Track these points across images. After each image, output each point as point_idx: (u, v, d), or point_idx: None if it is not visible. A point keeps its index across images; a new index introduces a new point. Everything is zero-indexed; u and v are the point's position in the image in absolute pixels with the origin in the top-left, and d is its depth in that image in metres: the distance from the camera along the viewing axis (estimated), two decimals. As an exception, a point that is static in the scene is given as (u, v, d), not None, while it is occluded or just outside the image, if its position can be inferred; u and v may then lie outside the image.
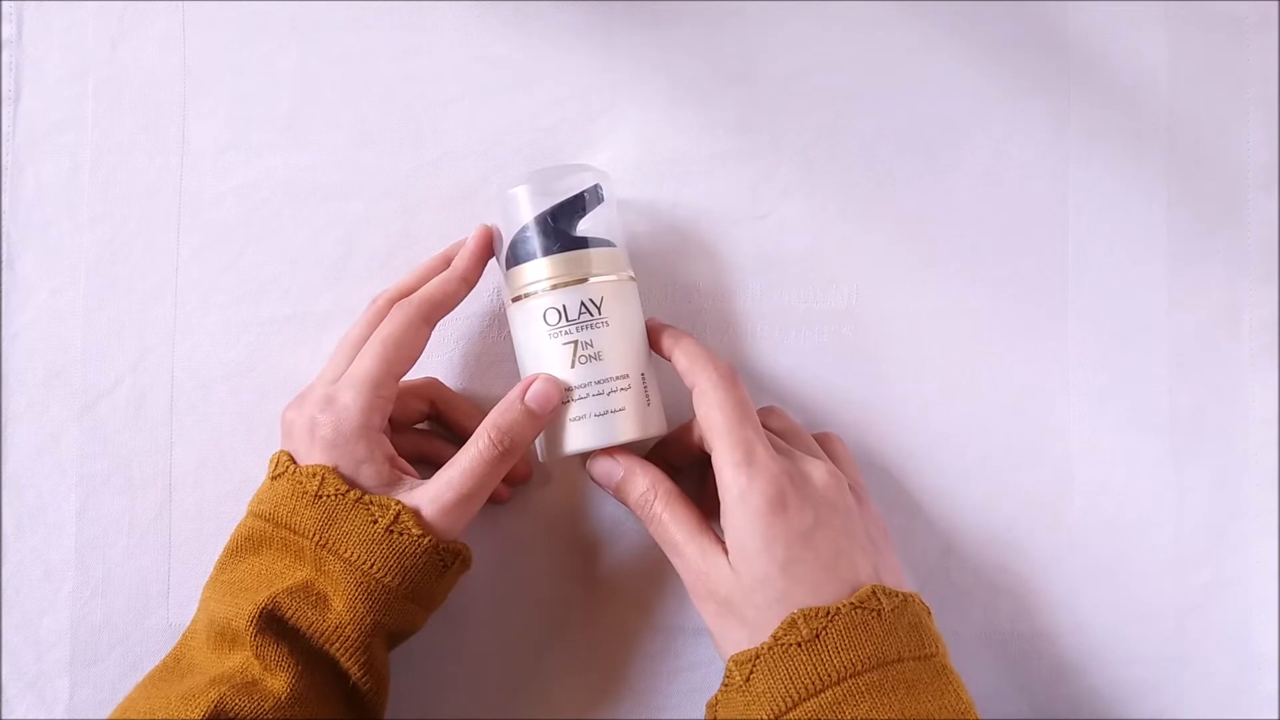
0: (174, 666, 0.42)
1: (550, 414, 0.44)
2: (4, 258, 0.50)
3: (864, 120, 0.50)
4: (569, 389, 0.44)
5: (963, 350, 0.50)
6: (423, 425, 0.49)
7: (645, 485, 0.44)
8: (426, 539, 0.41)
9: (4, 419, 0.49)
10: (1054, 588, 0.49)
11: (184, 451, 0.49)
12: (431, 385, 0.48)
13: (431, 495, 0.42)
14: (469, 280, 0.46)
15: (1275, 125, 0.50)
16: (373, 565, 0.41)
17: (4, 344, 0.49)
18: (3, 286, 0.50)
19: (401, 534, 0.41)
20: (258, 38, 0.50)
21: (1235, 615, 0.49)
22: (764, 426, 0.44)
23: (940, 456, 0.50)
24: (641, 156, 0.50)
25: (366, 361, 0.43)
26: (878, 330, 0.50)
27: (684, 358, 0.44)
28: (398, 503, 0.42)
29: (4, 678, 0.49)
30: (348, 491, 0.42)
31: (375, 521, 0.41)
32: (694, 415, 0.45)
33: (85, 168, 0.50)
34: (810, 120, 0.50)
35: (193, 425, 0.49)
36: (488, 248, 0.46)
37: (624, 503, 0.45)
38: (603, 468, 0.45)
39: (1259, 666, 0.49)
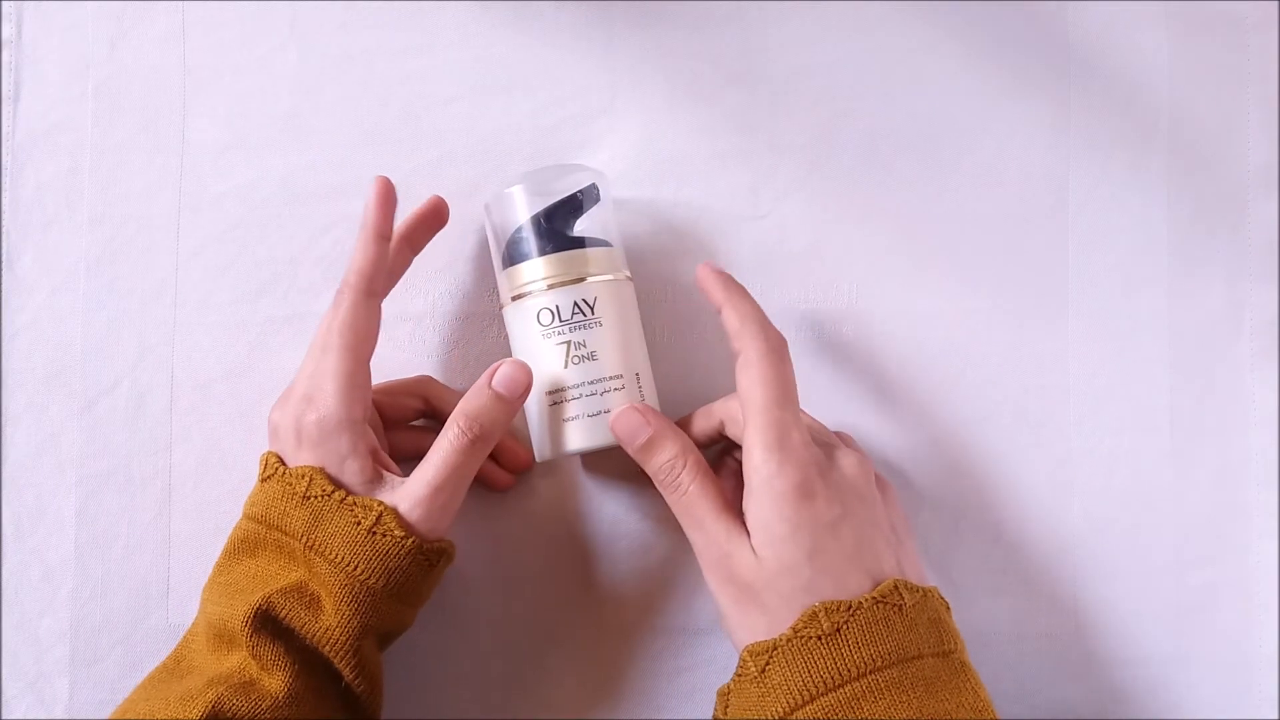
0: (174, 668, 0.42)
1: (520, 398, 0.43)
2: (4, 258, 0.50)
3: (864, 120, 0.50)
4: (562, 389, 0.44)
5: (963, 350, 0.50)
6: (419, 422, 0.49)
7: (674, 451, 0.42)
8: (410, 540, 0.41)
9: (4, 419, 0.49)
10: (1055, 588, 0.49)
11: (183, 451, 0.49)
12: (425, 383, 0.48)
13: (410, 493, 0.42)
14: (384, 233, 0.44)
15: (1275, 125, 0.50)
16: (356, 567, 0.41)
17: (4, 344, 0.49)
18: (3, 286, 0.50)
19: (384, 535, 0.41)
20: (258, 38, 0.50)
21: (1235, 615, 0.49)
22: None
23: (940, 457, 0.50)
24: (641, 156, 0.50)
25: (332, 355, 0.43)
26: (878, 330, 0.50)
27: (735, 318, 0.42)
28: (380, 504, 0.41)
29: (4, 678, 0.49)
30: (333, 492, 0.42)
31: (358, 523, 0.41)
32: (716, 399, 0.45)
33: (85, 168, 0.50)
34: (810, 120, 0.50)
35: (192, 425, 0.49)
36: (387, 196, 0.44)
37: (643, 465, 0.43)
38: (629, 422, 0.43)
39: (1259, 667, 0.49)
